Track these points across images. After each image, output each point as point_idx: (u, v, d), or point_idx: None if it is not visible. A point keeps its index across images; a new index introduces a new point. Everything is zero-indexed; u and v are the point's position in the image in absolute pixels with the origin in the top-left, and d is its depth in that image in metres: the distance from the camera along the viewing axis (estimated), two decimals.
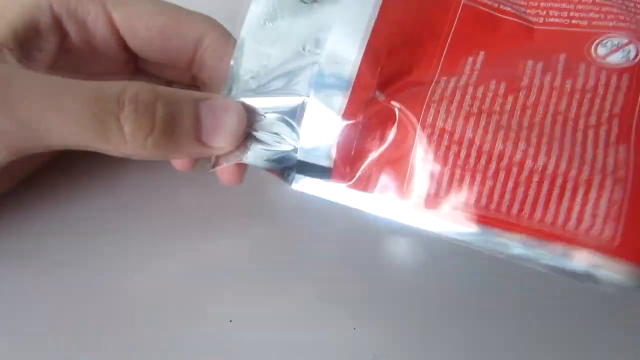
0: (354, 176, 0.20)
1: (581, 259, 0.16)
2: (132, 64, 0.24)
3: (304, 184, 0.20)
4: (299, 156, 0.20)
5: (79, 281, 0.23)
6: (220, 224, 0.25)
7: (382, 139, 0.19)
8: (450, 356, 0.21)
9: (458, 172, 0.18)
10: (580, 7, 0.20)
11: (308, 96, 0.20)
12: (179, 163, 0.23)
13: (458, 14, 0.20)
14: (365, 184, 0.19)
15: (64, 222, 0.24)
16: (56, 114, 0.16)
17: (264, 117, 0.20)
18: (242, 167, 0.22)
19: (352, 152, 0.19)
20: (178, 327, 0.22)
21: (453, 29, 0.20)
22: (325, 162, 0.20)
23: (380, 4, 0.20)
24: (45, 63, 0.21)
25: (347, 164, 0.20)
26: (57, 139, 0.17)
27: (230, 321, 0.22)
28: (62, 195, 0.25)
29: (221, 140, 0.19)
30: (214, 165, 0.21)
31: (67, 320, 0.22)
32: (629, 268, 0.15)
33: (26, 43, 0.20)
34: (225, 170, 0.22)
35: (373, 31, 0.20)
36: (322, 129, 0.19)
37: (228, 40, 0.22)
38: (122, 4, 0.22)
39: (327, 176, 0.20)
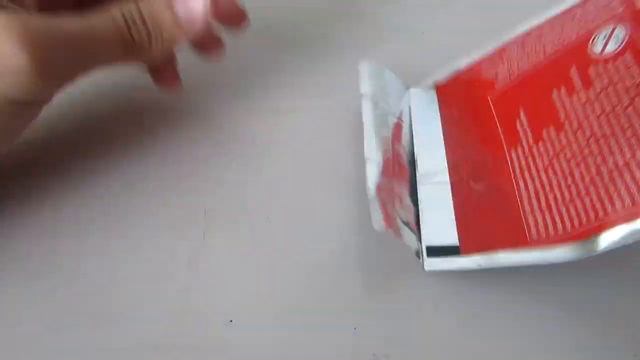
0: (480, 244, 0.22)
1: None
2: None
3: (436, 264, 0.22)
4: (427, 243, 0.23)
5: (76, 280, 0.23)
6: (220, 223, 0.25)
7: (492, 210, 0.23)
8: (451, 356, 0.21)
9: (561, 209, 0.21)
10: (566, 26, 0.24)
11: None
12: (165, 82, 0.27)
13: (493, 110, 0.26)
14: (490, 247, 0.22)
15: (60, 221, 0.24)
16: (93, 43, 0.21)
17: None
18: (173, 71, 0.27)
19: (473, 230, 0.22)
20: (178, 327, 0.22)
21: (496, 121, 0.25)
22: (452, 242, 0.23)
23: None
24: None
25: (471, 238, 0.22)
26: (102, 58, 0.22)
27: (231, 321, 0.22)
28: (56, 192, 0.25)
29: (197, 19, 0.23)
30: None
31: (66, 319, 0.22)
32: None
33: None
34: (162, 77, 0.27)
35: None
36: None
37: None
38: None
39: (457, 252, 0.22)
